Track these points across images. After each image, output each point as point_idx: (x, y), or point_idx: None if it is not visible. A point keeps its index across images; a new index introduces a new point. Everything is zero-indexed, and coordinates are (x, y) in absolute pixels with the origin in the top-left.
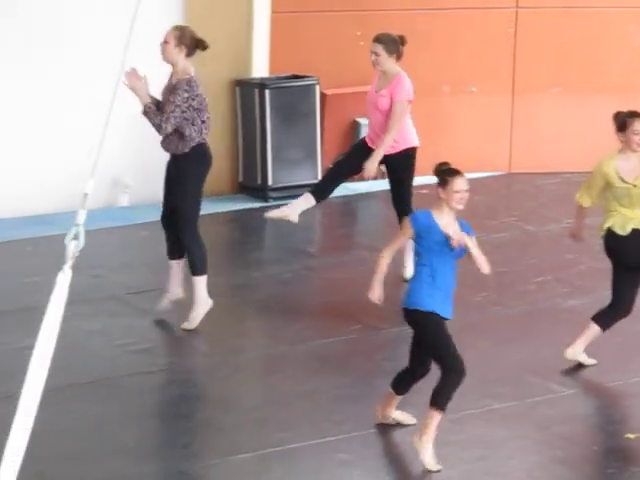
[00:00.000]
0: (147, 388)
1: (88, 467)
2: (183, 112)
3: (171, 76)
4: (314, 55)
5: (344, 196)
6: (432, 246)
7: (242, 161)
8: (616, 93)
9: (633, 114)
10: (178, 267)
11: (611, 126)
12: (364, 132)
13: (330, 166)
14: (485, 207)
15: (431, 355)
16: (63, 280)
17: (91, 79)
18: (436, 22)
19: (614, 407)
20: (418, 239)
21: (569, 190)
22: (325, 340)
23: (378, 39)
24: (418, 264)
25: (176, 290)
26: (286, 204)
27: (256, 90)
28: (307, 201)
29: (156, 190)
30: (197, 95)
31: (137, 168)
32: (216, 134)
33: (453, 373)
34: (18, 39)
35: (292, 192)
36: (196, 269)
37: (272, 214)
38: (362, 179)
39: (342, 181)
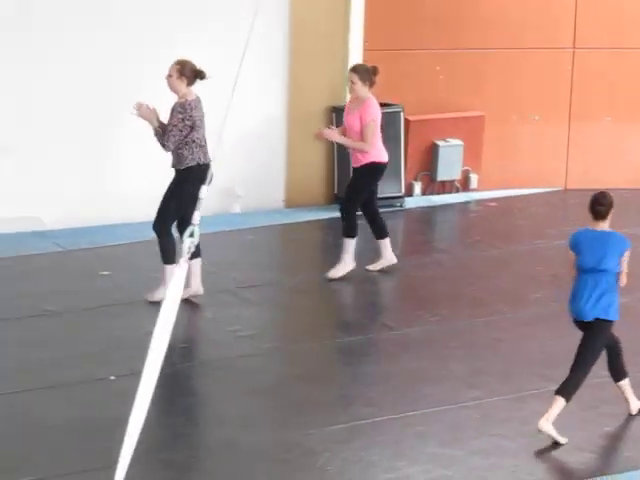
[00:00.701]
0: (254, 368)
1: (198, 435)
2: (180, 131)
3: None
4: (400, 86)
5: (423, 207)
6: None
7: (337, 176)
8: None
9: None
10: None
11: None
12: (442, 152)
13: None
14: (545, 218)
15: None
16: (180, 270)
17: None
18: (505, 59)
19: None
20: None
21: (617, 202)
22: (406, 329)
23: (355, 69)
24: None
25: (196, 287)
26: None
27: None
28: (350, 244)
29: (262, 200)
30: (191, 116)
31: (246, 181)
32: (316, 152)
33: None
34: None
35: (379, 203)
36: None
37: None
38: (318, 135)
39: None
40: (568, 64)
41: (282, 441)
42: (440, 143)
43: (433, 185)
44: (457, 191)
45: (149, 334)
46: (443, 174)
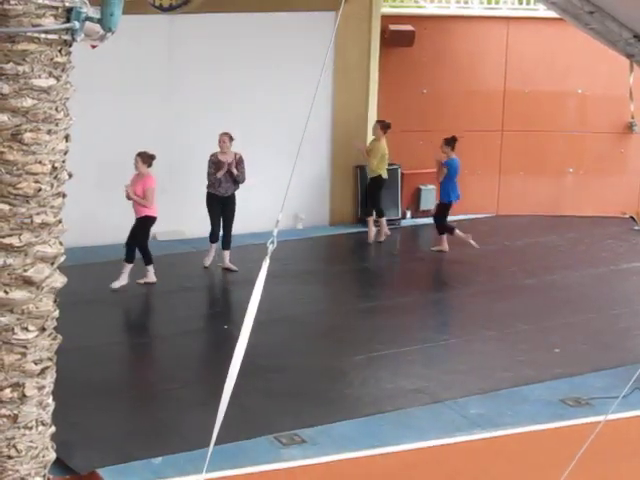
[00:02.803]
0: (310, 321)
1: (279, 359)
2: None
3: None
4: (398, 153)
5: (412, 225)
6: None
7: (360, 206)
8: None
9: None
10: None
11: None
12: (423, 193)
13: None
14: (485, 232)
15: None
16: (264, 266)
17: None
18: (462, 137)
19: None
20: None
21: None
22: (402, 298)
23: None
24: None
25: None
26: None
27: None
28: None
29: (315, 220)
30: (212, 162)
31: (306, 209)
32: (347, 192)
33: None
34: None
35: (386, 223)
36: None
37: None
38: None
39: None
40: (499, 140)
41: (326, 365)
42: (422, 187)
43: (417, 212)
44: (432, 216)
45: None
46: (424, 205)
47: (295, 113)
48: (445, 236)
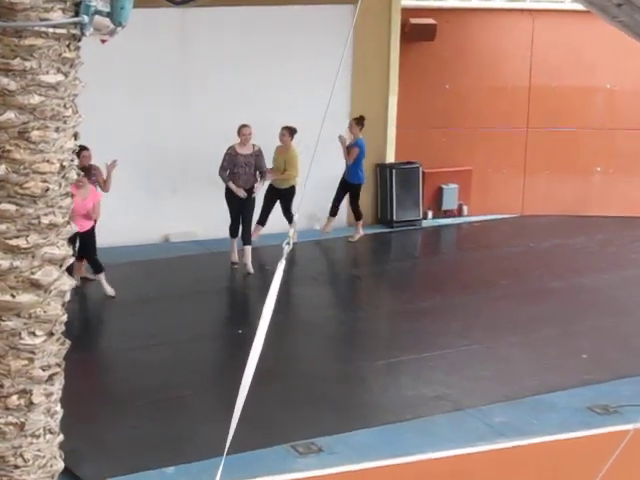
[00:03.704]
0: (327, 324)
1: (293, 367)
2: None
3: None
4: (419, 151)
5: (433, 226)
6: None
7: (380, 206)
8: None
9: None
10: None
11: None
12: (445, 192)
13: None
14: (509, 233)
15: None
16: (281, 266)
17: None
18: (485, 135)
19: None
20: None
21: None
22: (423, 303)
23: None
24: None
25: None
26: (403, 230)
27: (387, 169)
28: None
29: (335, 220)
30: (229, 155)
31: (323, 209)
32: (366, 191)
33: None
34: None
35: (406, 224)
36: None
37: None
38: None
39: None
40: (524, 138)
41: (344, 371)
42: (444, 186)
43: (439, 212)
44: (454, 216)
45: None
46: (446, 206)
47: (311, 110)
48: (361, 222)
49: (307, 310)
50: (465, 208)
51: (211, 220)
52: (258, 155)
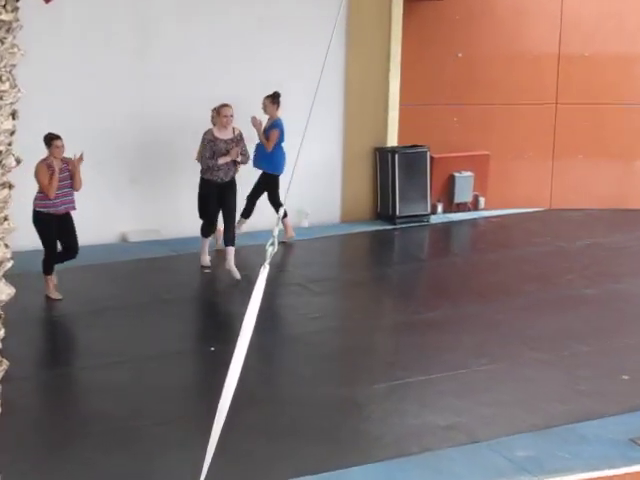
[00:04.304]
0: (319, 341)
1: (277, 389)
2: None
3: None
4: (426, 132)
5: (443, 222)
6: None
7: (380, 198)
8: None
9: None
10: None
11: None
12: (458, 181)
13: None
14: (533, 230)
15: None
16: (263, 272)
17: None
18: (504, 112)
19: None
20: None
21: (587, 219)
22: (430, 313)
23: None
24: None
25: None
26: (407, 227)
27: (389, 154)
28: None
29: (324, 217)
30: (208, 141)
31: (312, 203)
32: (363, 181)
33: None
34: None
35: (411, 219)
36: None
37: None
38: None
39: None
40: (552, 115)
41: (338, 396)
42: (456, 174)
43: (451, 206)
44: (469, 210)
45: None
46: (458, 198)
47: (299, 84)
48: (289, 219)
49: (293, 323)
50: (481, 200)
51: (176, 216)
52: (240, 140)
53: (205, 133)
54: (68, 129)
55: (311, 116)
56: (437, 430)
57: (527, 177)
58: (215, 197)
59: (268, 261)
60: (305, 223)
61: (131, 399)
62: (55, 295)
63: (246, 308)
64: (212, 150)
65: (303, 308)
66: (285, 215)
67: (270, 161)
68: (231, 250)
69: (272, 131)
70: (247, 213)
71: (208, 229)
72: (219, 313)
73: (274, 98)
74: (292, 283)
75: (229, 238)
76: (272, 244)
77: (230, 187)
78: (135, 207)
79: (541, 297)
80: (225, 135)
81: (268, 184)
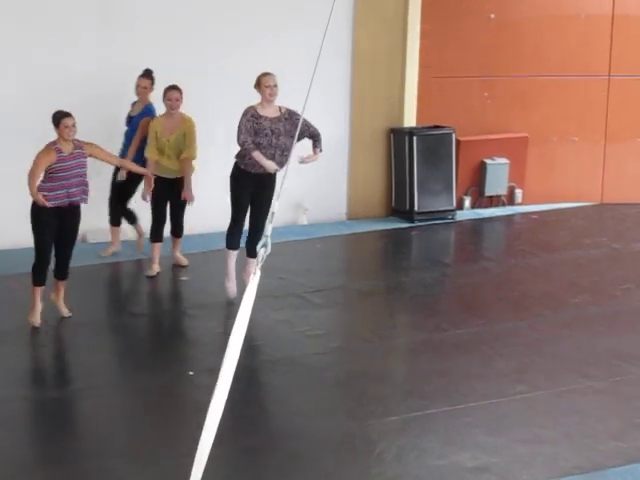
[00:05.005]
0: (321, 365)
1: (270, 424)
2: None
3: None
4: (451, 110)
5: (472, 219)
6: None
7: (394, 191)
8: None
9: None
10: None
11: None
12: (490, 170)
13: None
14: (582, 229)
15: None
16: (255, 279)
17: None
18: (546, 86)
19: None
20: None
21: None
22: (457, 331)
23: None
24: None
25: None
26: (428, 225)
27: (406, 137)
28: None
29: (326, 213)
30: (253, 117)
31: (313, 196)
32: (374, 170)
33: None
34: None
35: (432, 216)
36: None
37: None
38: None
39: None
40: (604, 90)
41: (345, 431)
42: (488, 161)
43: (481, 199)
44: (503, 205)
45: (225, 334)
46: (490, 189)
47: (299, 54)
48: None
49: (290, 342)
50: (518, 193)
51: (147, 211)
52: (288, 119)
53: (249, 107)
54: (17, 113)
55: (311, 92)
56: (464, 473)
57: (574, 165)
58: (247, 191)
59: (260, 265)
60: (303, 220)
61: (97, 435)
62: (63, 311)
63: (232, 323)
64: (254, 128)
65: (301, 324)
66: (130, 220)
67: (133, 155)
68: (251, 262)
69: (144, 119)
70: (117, 219)
71: (233, 235)
72: (200, 329)
73: (146, 76)
74: (288, 294)
75: (254, 242)
76: (265, 245)
77: (270, 182)
78: (95, 201)
79: (591, 311)
80: (270, 112)
81: (132, 182)
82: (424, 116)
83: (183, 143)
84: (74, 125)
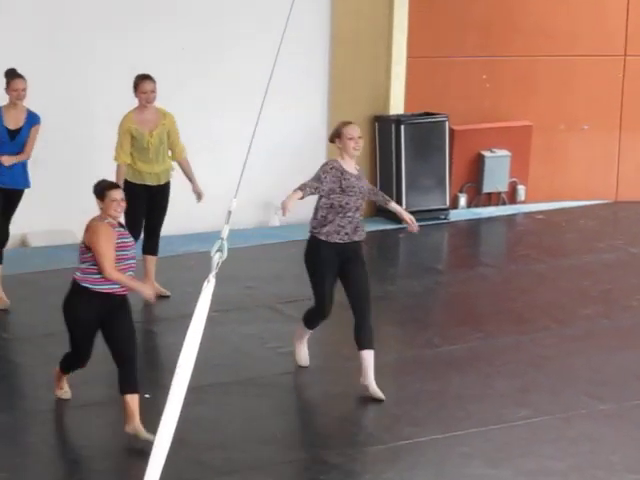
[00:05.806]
0: (294, 386)
1: (238, 454)
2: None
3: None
4: (444, 95)
5: (468, 220)
6: None
7: (379, 187)
8: None
9: None
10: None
11: None
12: (488, 163)
13: None
14: (594, 231)
15: None
16: (208, 287)
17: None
18: (553, 67)
19: None
20: None
21: None
22: (451, 347)
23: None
24: None
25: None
26: (421, 225)
27: (393, 125)
28: None
29: (302, 212)
30: (334, 176)
31: (286, 193)
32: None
33: None
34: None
35: (423, 216)
36: None
37: None
38: None
39: None
40: (619, 71)
41: (321, 461)
42: (486, 154)
43: (479, 197)
44: (504, 203)
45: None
46: (489, 186)
47: (269, 30)
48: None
49: (257, 360)
50: (521, 190)
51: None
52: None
53: (332, 161)
54: None
55: (285, 76)
56: None
57: (584, 157)
58: (332, 268)
59: (215, 272)
60: (275, 221)
61: (42, 462)
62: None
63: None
64: (340, 186)
65: (272, 339)
66: None
67: (19, 169)
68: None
69: (33, 127)
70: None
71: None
72: (157, 347)
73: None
74: (258, 305)
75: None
76: (219, 250)
77: (356, 253)
78: (39, 200)
79: (604, 325)
80: (352, 169)
81: (14, 200)
82: (413, 102)
83: (166, 142)
84: (123, 199)
